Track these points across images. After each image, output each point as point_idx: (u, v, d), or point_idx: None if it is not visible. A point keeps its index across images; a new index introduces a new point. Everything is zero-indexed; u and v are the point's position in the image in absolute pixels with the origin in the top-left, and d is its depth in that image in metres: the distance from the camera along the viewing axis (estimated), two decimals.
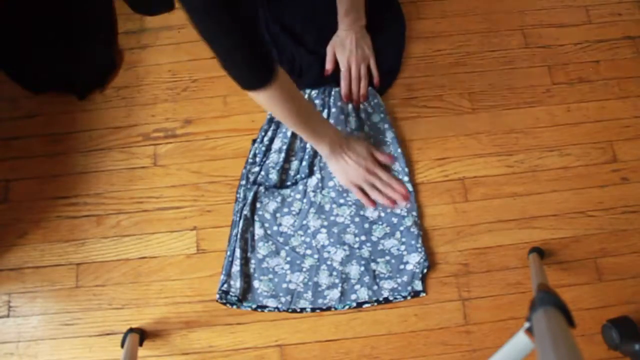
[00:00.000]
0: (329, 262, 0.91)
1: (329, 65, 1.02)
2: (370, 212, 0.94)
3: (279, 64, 0.73)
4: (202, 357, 0.87)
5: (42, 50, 1.03)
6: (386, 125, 0.98)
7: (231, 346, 0.87)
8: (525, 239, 0.93)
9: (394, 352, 0.87)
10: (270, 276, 0.90)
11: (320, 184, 0.95)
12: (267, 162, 0.96)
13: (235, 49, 0.67)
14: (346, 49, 1.01)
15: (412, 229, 0.92)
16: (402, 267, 0.90)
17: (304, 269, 0.91)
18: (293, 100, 0.78)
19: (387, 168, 0.95)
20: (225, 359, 0.87)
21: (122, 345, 0.84)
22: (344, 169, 0.92)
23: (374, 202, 0.93)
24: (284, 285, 0.90)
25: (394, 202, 0.92)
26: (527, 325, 0.54)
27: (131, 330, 0.85)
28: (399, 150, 0.97)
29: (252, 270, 0.91)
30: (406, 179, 0.95)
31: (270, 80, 0.72)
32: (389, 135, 0.98)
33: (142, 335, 0.87)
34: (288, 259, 0.91)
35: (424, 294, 0.89)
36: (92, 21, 1.08)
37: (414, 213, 0.93)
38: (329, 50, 1.03)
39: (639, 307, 0.89)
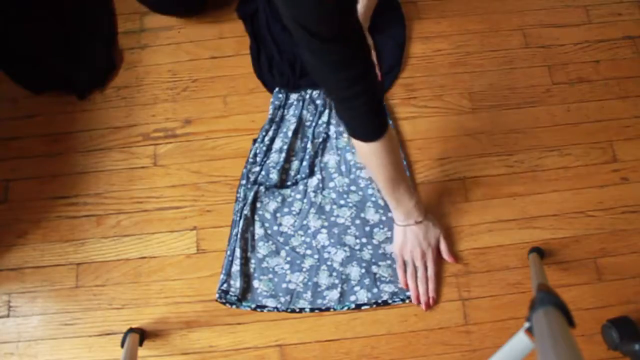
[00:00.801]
0: (329, 263, 0.91)
1: None
2: (371, 215, 0.93)
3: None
4: (202, 357, 0.87)
5: (41, 50, 1.03)
6: None
7: (231, 346, 0.87)
8: (525, 239, 0.93)
9: (394, 352, 0.87)
10: (270, 276, 0.90)
11: (320, 185, 0.95)
12: (268, 161, 0.96)
13: (362, 95, 0.67)
14: None
15: None
16: None
17: (304, 269, 0.91)
18: (394, 155, 0.77)
19: (440, 259, 0.91)
20: (225, 359, 0.87)
21: (122, 345, 0.84)
22: (403, 239, 0.88)
23: (407, 283, 0.89)
24: (284, 285, 0.90)
25: (418, 298, 0.88)
26: (527, 325, 0.54)
27: (131, 330, 0.85)
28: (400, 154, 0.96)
29: (252, 270, 0.91)
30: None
31: (385, 132, 0.73)
32: None
33: (142, 335, 0.87)
34: (288, 259, 0.91)
35: None
36: (92, 21, 1.08)
37: None
38: None
39: (639, 307, 0.89)
